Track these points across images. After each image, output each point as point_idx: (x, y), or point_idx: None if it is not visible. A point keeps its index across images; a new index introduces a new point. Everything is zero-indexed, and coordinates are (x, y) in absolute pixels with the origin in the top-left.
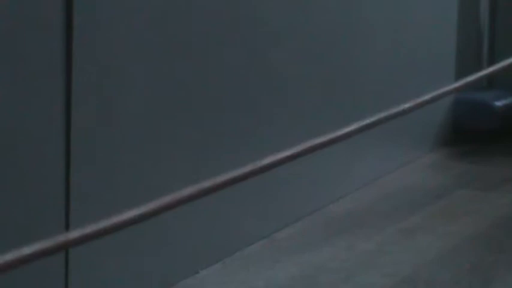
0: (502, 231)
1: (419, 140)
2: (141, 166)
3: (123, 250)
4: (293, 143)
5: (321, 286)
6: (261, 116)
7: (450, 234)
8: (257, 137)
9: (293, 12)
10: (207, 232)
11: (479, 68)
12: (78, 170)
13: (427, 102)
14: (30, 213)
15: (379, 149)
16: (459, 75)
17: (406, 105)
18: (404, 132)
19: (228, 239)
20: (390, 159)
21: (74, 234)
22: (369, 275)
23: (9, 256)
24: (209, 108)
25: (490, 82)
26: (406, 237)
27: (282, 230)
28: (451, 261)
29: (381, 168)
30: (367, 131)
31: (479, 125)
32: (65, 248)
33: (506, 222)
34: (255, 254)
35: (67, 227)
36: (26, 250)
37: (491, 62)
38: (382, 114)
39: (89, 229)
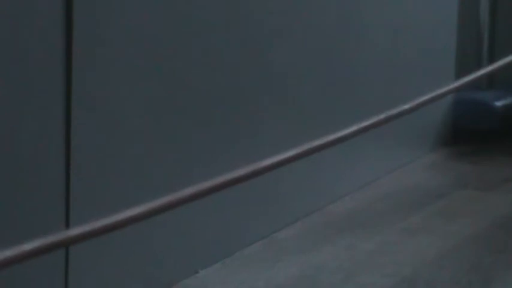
0: (502, 231)
1: (419, 140)
2: (142, 166)
3: (123, 250)
4: (293, 144)
5: (321, 286)
6: (261, 117)
7: (450, 234)
8: (257, 138)
9: (292, 13)
10: (207, 232)
11: (479, 68)
12: (78, 170)
13: (427, 102)
14: (30, 213)
15: (379, 149)
16: (459, 75)
17: (406, 106)
18: (404, 132)
19: (228, 239)
20: (390, 159)
21: (74, 231)
22: (369, 275)
23: (9, 252)
24: (209, 108)
25: (490, 82)
26: (406, 237)
27: (282, 230)
28: (451, 261)
29: (381, 168)
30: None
31: (479, 125)
32: (65, 245)
33: (506, 222)
34: (255, 254)
35: (67, 227)
36: (26, 246)
37: (491, 62)
38: (382, 116)
39: (89, 227)
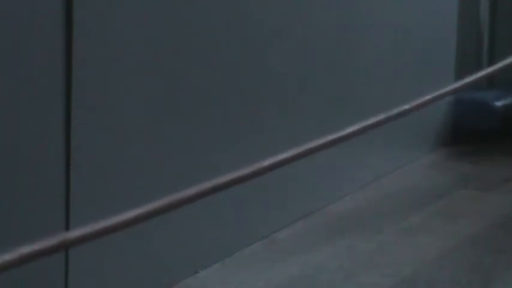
0: (502, 231)
1: (419, 140)
2: (142, 166)
3: (123, 250)
4: (292, 143)
5: (321, 286)
6: (261, 117)
7: (450, 234)
8: (257, 137)
9: (292, 13)
10: (206, 232)
11: (479, 68)
12: (78, 170)
13: (427, 103)
14: (30, 213)
15: (379, 149)
16: (459, 75)
17: (406, 107)
18: (404, 132)
19: (228, 239)
20: (390, 160)
21: (73, 233)
22: (369, 275)
23: (8, 256)
24: (209, 108)
25: (490, 82)
26: (406, 237)
27: (282, 230)
28: (451, 261)
29: (381, 168)
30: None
31: (479, 125)
32: (64, 247)
33: (506, 222)
34: (255, 254)
35: (67, 228)
36: (26, 249)
37: (491, 62)
38: (382, 116)
39: (89, 229)
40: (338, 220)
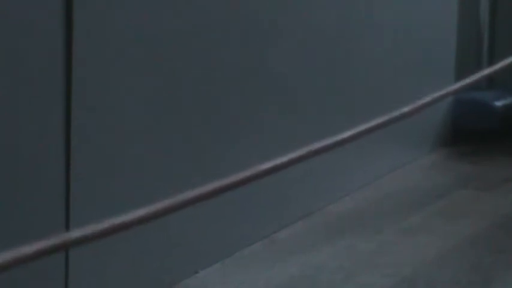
0: (502, 231)
1: (419, 140)
2: (142, 166)
3: (123, 250)
4: (292, 143)
5: (321, 286)
6: (261, 117)
7: (450, 234)
8: (257, 137)
9: (293, 13)
10: (207, 232)
11: (479, 68)
12: (78, 170)
13: (427, 105)
14: (30, 213)
15: (379, 149)
16: (459, 75)
17: (406, 109)
18: (404, 132)
19: (228, 239)
20: (390, 160)
21: (74, 234)
22: (369, 275)
23: (9, 255)
24: (209, 108)
25: (490, 82)
26: (406, 237)
27: (282, 230)
28: (451, 261)
29: (381, 168)
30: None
31: (479, 125)
32: (65, 248)
33: (506, 222)
34: (255, 254)
35: (67, 228)
36: (26, 249)
37: (491, 62)
38: (382, 119)
39: (90, 230)
40: (338, 220)
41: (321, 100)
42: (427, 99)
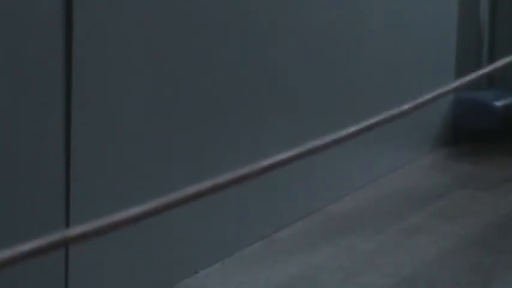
0: (502, 231)
1: (419, 140)
2: (142, 166)
3: (123, 250)
4: (293, 142)
5: (321, 286)
6: (261, 116)
7: (450, 234)
8: (257, 137)
9: (293, 13)
10: (206, 232)
11: (479, 68)
12: (78, 170)
13: (427, 102)
14: (30, 213)
15: (379, 149)
16: (459, 75)
17: (406, 107)
18: (404, 132)
19: (228, 239)
20: (390, 160)
21: (73, 231)
22: (369, 275)
23: (9, 253)
24: (209, 108)
25: (490, 82)
26: (406, 237)
27: (282, 230)
28: (451, 261)
29: (381, 168)
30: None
31: (479, 125)
32: (64, 245)
33: (506, 222)
34: (255, 254)
35: (67, 226)
36: (26, 246)
37: (491, 62)
38: (382, 116)
39: (90, 226)
40: (338, 220)
41: (321, 100)
42: (427, 97)
